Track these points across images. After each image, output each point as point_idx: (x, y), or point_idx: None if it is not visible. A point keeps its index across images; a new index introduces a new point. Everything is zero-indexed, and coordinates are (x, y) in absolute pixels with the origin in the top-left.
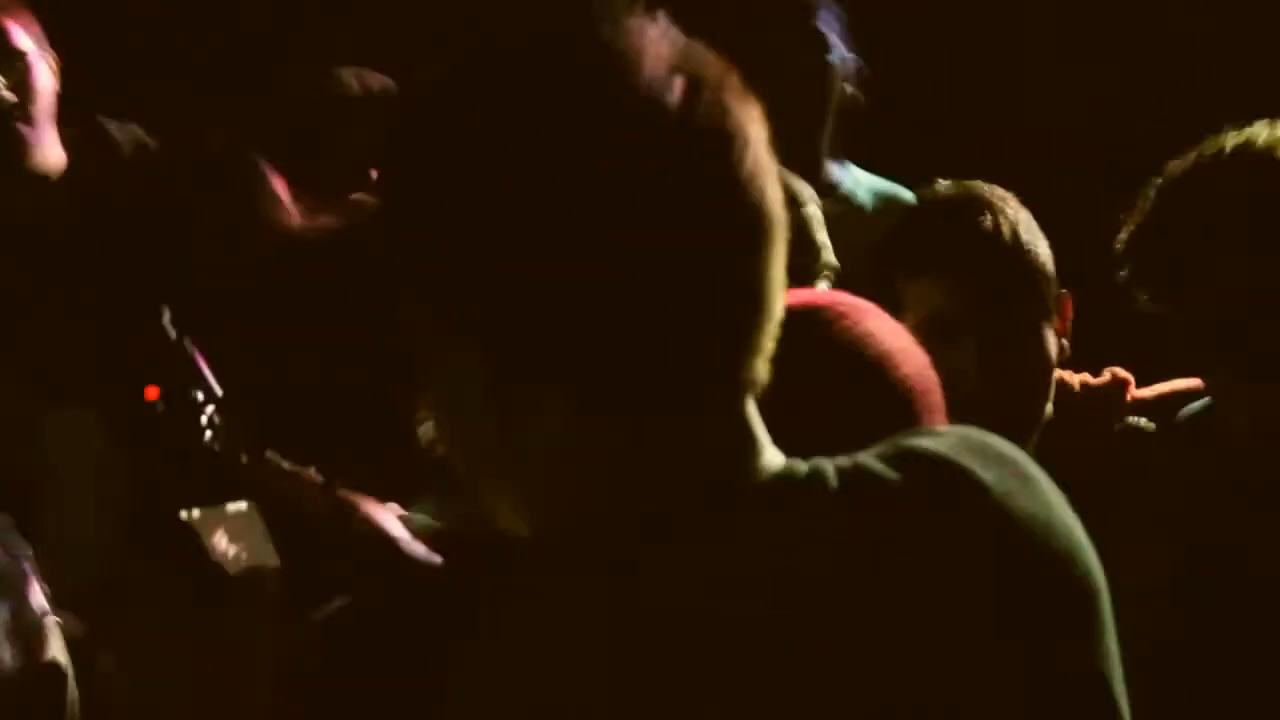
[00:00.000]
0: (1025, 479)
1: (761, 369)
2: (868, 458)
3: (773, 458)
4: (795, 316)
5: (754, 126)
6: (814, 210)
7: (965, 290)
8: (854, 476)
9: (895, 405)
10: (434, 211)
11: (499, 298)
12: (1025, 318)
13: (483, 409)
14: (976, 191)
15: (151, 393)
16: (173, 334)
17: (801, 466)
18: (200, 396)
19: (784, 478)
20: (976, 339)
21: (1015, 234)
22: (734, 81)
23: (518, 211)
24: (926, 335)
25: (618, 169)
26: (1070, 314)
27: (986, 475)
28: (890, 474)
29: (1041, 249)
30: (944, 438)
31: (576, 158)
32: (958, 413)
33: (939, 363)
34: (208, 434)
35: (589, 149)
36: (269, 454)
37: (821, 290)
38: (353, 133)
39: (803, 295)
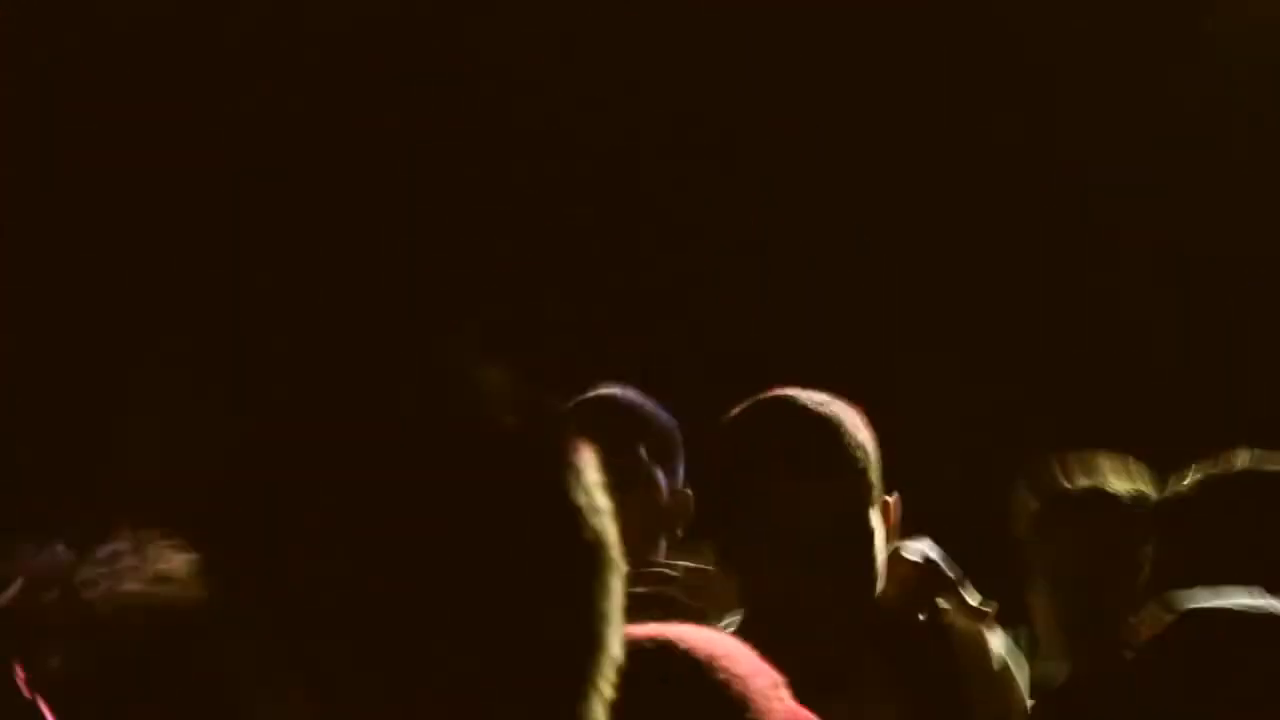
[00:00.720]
0: None
1: (598, 712)
2: None
3: None
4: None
5: (589, 467)
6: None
7: None
8: None
9: None
10: (267, 556)
11: (329, 634)
12: None
13: None
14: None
15: None
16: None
17: None
18: None
19: None
20: None
21: None
22: (571, 420)
23: (336, 546)
24: None
25: (449, 494)
26: None
27: None
28: None
29: None
30: None
31: (406, 488)
32: None
33: None
34: None
35: (417, 477)
36: None
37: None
38: None
39: (654, 630)
